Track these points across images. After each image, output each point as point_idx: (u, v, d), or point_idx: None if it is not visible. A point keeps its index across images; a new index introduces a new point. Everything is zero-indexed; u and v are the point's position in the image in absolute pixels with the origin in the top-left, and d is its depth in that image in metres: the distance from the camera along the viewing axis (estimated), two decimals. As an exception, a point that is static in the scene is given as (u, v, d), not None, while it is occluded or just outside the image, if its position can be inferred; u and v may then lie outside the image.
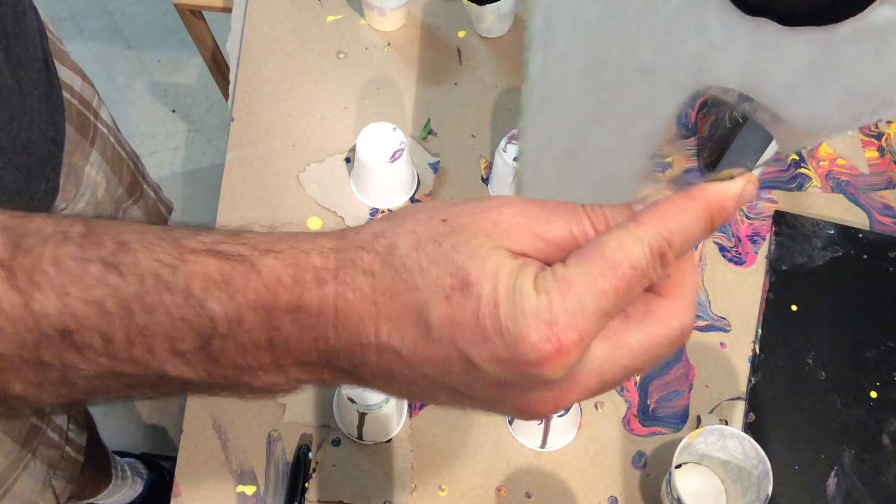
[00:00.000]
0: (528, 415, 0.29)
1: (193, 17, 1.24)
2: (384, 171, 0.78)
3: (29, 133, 0.64)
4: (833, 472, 0.72)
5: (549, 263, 0.28)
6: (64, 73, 0.77)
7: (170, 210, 1.04)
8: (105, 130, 0.85)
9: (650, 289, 0.29)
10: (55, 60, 0.76)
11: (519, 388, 0.27)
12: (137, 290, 0.28)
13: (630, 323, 0.29)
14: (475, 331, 0.27)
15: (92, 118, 0.82)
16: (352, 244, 0.29)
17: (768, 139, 0.75)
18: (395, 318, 0.28)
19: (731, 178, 0.32)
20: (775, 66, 0.37)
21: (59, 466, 0.87)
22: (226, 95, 1.30)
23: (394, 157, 0.78)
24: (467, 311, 0.27)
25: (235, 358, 0.29)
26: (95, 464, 1.13)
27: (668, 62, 0.40)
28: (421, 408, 0.75)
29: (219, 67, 1.36)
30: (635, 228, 0.28)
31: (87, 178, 0.80)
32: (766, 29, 0.36)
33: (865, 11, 0.33)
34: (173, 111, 1.82)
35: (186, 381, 0.30)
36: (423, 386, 0.29)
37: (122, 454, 1.33)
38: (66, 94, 0.77)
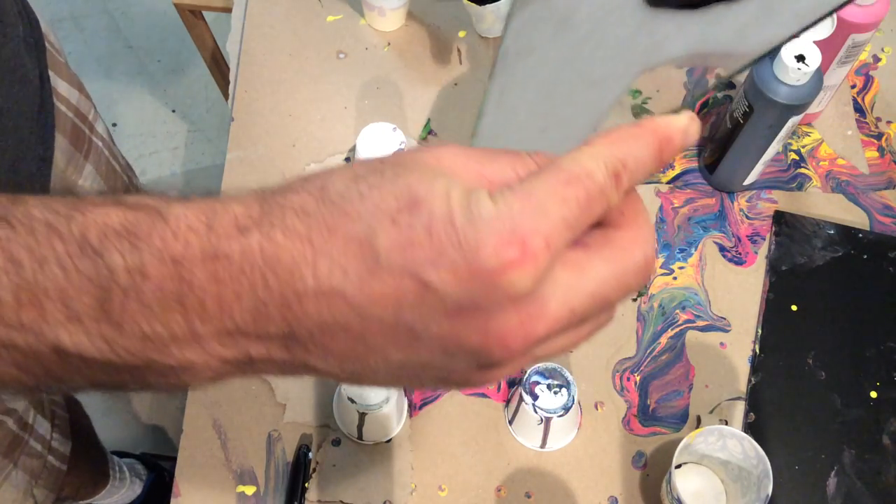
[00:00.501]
0: (493, 351, 0.25)
1: (193, 17, 1.24)
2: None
3: (16, 152, 0.64)
4: (833, 472, 0.72)
5: None
6: (61, 86, 0.77)
7: None
8: (100, 144, 0.85)
9: (604, 223, 0.28)
10: (53, 73, 0.75)
11: (482, 312, 0.25)
12: (27, 241, 0.25)
13: (591, 252, 0.27)
14: (429, 248, 0.24)
15: (87, 131, 0.82)
16: (279, 190, 0.26)
17: (770, 139, 0.75)
18: (335, 254, 0.24)
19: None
20: (726, 27, 0.38)
21: (42, 476, 0.87)
22: (226, 95, 1.29)
23: (394, 157, 0.78)
24: (418, 229, 0.24)
25: (140, 323, 0.25)
26: (92, 465, 1.12)
27: (618, 68, 0.41)
28: (421, 407, 0.75)
29: (219, 67, 1.37)
30: (588, 148, 0.27)
31: (80, 192, 0.80)
32: (716, 7, 0.37)
33: None
34: (173, 111, 1.82)
35: (86, 358, 0.26)
36: (372, 340, 0.25)
37: (122, 454, 1.33)
38: (62, 108, 0.76)
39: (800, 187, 0.85)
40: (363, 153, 0.78)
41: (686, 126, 0.29)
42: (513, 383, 0.76)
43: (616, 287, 0.27)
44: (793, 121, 0.72)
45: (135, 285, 0.25)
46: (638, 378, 0.76)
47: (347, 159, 0.86)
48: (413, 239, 0.24)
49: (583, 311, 0.26)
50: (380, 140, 0.78)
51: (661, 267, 0.81)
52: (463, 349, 0.26)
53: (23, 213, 0.25)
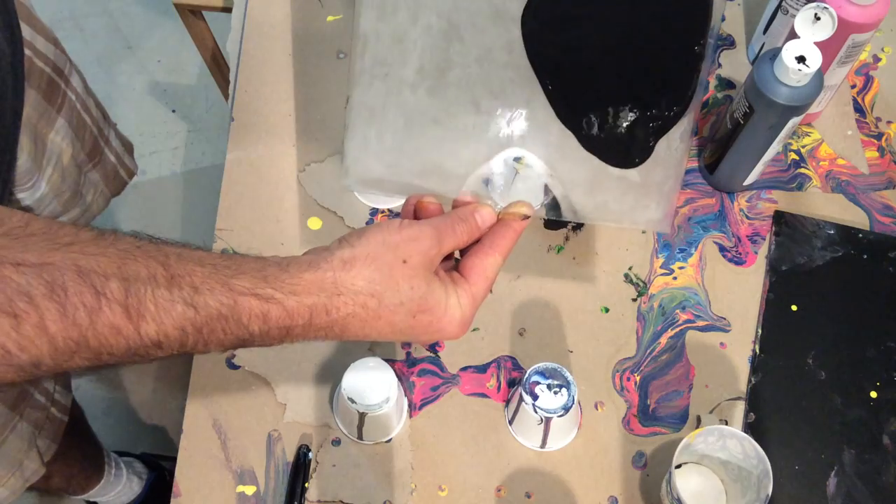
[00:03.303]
0: (441, 336, 0.51)
1: (193, 17, 1.24)
2: (384, 171, 0.78)
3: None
4: (833, 472, 0.72)
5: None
6: (38, 41, 0.77)
7: (131, 174, 1.04)
8: (73, 97, 0.85)
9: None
10: (30, 28, 0.75)
11: (438, 335, 0.51)
12: (206, 321, 0.42)
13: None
14: (425, 333, 0.50)
15: (62, 85, 0.82)
16: (348, 290, 0.46)
17: (770, 139, 0.75)
18: (378, 329, 0.48)
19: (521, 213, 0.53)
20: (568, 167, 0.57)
21: (44, 427, 0.90)
22: (226, 95, 1.29)
23: (394, 157, 0.78)
24: (423, 325, 0.49)
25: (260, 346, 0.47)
26: (83, 455, 1.13)
27: (498, 117, 0.55)
28: (421, 408, 0.75)
29: (219, 67, 1.36)
30: (498, 256, 0.52)
31: (51, 145, 0.80)
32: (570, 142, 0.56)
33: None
34: (173, 111, 1.82)
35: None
36: (378, 334, 0.48)
37: (122, 454, 1.33)
38: (39, 63, 0.76)
39: (800, 187, 0.85)
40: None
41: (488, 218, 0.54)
42: (513, 383, 0.76)
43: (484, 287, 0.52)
44: (793, 121, 0.72)
45: (262, 337, 0.45)
46: (638, 378, 0.76)
47: (347, 159, 0.86)
48: (418, 329, 0.49)
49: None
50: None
51: (661, 267, 0.81)
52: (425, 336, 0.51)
53: (203, 303, 0.42)
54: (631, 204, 0.58)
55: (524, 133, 0.55)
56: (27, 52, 0.74)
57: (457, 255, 0.54)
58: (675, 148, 0.57)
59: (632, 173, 0.56)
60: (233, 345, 0.45)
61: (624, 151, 0.56)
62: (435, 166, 0.56)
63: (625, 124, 0.55)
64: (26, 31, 0.74)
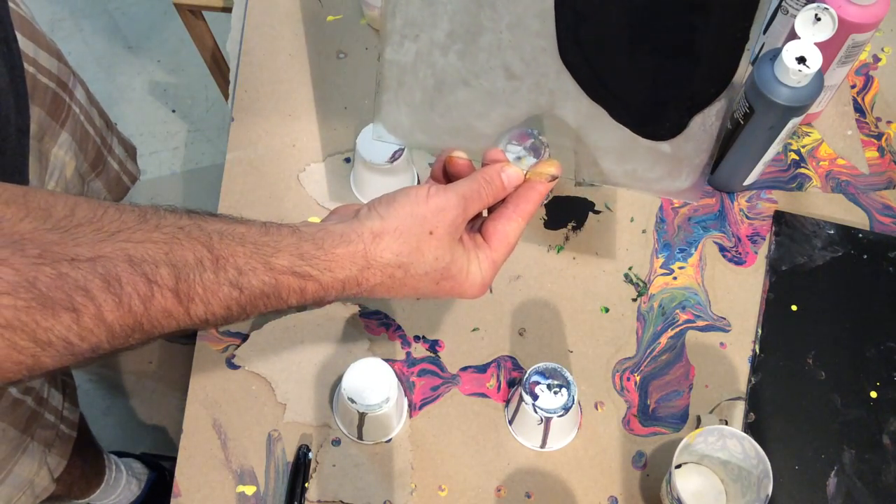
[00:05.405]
0: (462, 295, 0.54)
1: (193, 17, 1.24)
2: (384, 171, 0.78)
3: (3, 131, 0.64)
4: (833, 472, 0.72)
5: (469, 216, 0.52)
6: (42, 57, 0.77)
7: (134, 180, 1.05)
8: (77, 110, 0.85)
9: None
10: (33, 44, 0.75)
11: (458, 294, 0.53)
12: (251, 299, 0.45)
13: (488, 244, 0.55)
14: (451, 282, 0.52)
15: (67, 99, 0.82)
16: (377, 263, 0.49)
17: (770, 140, 0.75)
18: (402, 293, 0.51)
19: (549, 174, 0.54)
20: (608, 136, 0.57)
21: (55, 444, 0.91)
22: (226, 95, 1.29)
23: (394, 157, 0.78)
24: (447, 283, 0.52)
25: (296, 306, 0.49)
26: (83, 461, 1.13)
27: (530, 80, 0.55)
28: (421, 408, 0.75)
29: (219, 67, 1.37)
30: (521, 221, 0.53)
31: (54, 160, 0.80)
32: (598, 110, 0.56)
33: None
34: (173, 111, 1.82)
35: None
36: (403, 294, 0.52)
37: (122, 454, 1.33)
38: (43, 79, 0.76)
39: (800, 187, 0.85)
40: (363, 153, 0.78)
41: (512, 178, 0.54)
42: (513, 383, 0.76)
43: (506, 252, 0.54)
44: (793, 122, 0.72)
45: (297, 306, 0.49)
46: (638, 378, 0.76)
47: (347, 160, 0.86)
48: (440, 292, 0.52)
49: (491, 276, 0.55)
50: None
51: (661, 267, 0.81)
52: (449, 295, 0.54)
53: (247, 284, 0.45)
54: (660, 174, 0.58)
55: (555, 101, 0.55)
56: (30, 68, 0.73)
57: (484, 212, 0.54)
58: (710, 125, 0.56)
59: (663, 145, 0.56)
60: (270, 313, 0.49)
61: (656, 126, 0.56)
62: (465, 125, 0.56)
63: (660, 102, 0.55)
64: (29, 47, 0.74)
